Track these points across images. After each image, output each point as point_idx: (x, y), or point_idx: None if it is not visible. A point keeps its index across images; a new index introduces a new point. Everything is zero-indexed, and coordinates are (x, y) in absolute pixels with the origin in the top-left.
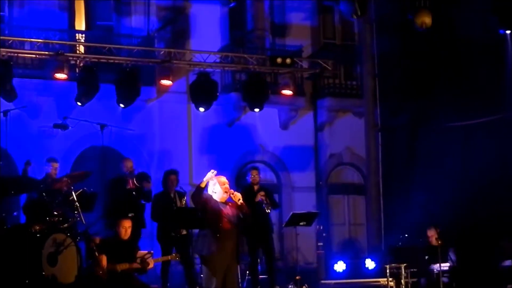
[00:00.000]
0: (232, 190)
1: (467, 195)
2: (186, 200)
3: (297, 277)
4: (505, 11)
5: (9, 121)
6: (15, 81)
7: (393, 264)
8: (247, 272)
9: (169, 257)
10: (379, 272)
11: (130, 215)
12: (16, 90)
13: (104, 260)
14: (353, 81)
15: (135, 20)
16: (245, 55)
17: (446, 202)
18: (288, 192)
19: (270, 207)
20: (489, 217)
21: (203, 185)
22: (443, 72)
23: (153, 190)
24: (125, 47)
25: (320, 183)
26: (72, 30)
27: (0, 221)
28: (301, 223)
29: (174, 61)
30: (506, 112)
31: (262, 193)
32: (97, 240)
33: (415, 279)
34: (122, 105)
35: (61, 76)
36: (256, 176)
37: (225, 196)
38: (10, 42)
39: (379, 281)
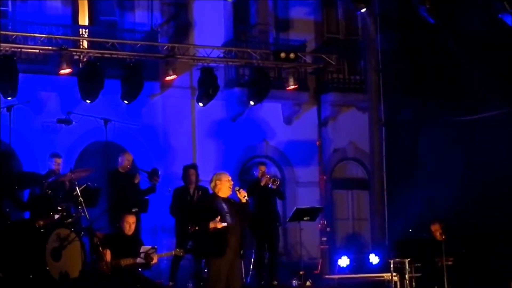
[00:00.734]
0: (237, 187)
1: (471, 190)
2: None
3: (301, 272)
4: None
5: (13, 116)
6: (19, 76)
7: (397, 259)
8: (251, 267)
9: (173, 252)
10: (383, 267)
11: (133, 210)
12: (18, 86)
13: (108, 255)
14: (357, 75)
15: (139, 15)
16: (249, 50)
17: (450, 197)
18: (292, 187)
19: (277, 181)
20: (493, 212)
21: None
22: (447, 66)
23: (157, 186)
24: (129, 42)
25: (324, 177)
26: (75, 25)
27: (4, 216)
28: (305, 218)
29: (178, 56)
30: (510, 107)
31: (267, 176)
32: (101, 235)
33: (419, 274)
34: (126, 102)
35: (65, 71)
36: (264, 171)
37: (229, 192)
38: (13, 37)
39: (383, 276)
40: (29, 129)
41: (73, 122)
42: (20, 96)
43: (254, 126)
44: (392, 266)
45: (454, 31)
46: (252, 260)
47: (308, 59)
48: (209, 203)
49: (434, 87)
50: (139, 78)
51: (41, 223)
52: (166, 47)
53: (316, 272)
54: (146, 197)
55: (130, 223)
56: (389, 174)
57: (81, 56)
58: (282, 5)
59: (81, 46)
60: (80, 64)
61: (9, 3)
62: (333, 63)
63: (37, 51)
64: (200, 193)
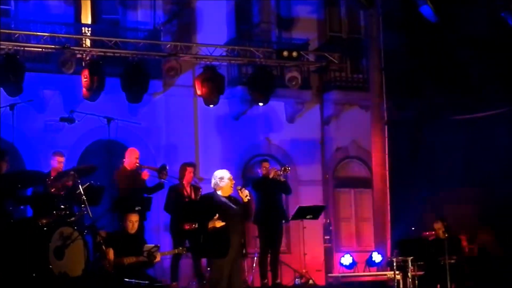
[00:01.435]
0: (239, 186)
1: (473, 188)
2: (201, 194)
3: (304, 271)
4: None
5: (15, 115)
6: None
7: (400, 257)
8: (254, 265)
9: (176, 251)
10: (386, 265)
11: (137, 208)
12: (22, 84)
13: (111, 253)
14: (360, 74)
15: (141, 14)
16: (252, 48)
17: (453, 195)
18: (295, 185)
19: (287, 168)
20: (495, 209)
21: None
22: (449, 65)
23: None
24: (131, 40)
25: (327, 176)
26: (78, 24)
27: (7, 214)
28: (308, 217)
29: (180, 55)
30: None
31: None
32: (104, 233)
33: (422, 272)
34: (131, 102)
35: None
36: (268, 168)
37: (231, 191)
38: (16, 36)
39: (386, 275)
40: (31, 128)
41: (76, 121)
42: (22, 95)
43: (257, 125)
44: (395, 264)
45: (456, 30)
46: (255, 258)
47: (311, 57)
48: (211, 201)
49: (437, 86)
50: (142, 77)
51: (44, 221)
52: (168, 45)
53: (319, 270)
54: (150, 195)
55: (133, 222)
56: (392, 172)
57: (84, 54)
58: (285, 3)
59: (84, 45)
60: (83, 63)
61: (12, 2)
62: (336, 61)
63: (40, 49)
64: (198, 191)
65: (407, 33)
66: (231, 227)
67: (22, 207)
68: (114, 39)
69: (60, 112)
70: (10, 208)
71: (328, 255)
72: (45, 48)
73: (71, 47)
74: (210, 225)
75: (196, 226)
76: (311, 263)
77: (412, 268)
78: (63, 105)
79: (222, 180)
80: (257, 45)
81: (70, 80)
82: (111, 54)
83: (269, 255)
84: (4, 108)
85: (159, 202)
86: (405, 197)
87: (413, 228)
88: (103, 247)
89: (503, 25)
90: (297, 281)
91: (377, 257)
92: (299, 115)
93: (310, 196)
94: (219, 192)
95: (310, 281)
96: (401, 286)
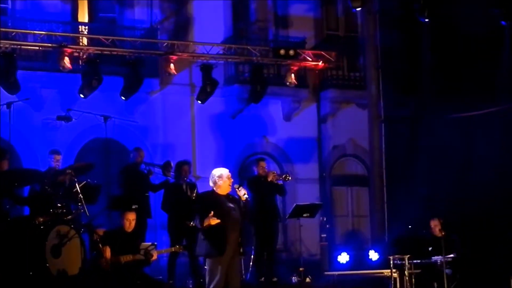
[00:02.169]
0: (237, 185)
1: (470, 186)
2: (197, 192)
3: (301, 269)
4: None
5: (12, 113)
6: (19, 73)
7: (396, 256)
8: (251, 263)
9: (173, 249)
10: (382, 263)
11: (134, 207)
12: (19, 82)
13: (108, 252)
14: (356, 72)
15: (138, 12)
16: (248, 47)
17: (449, 193)
18: (292, 183)
19: (287, 177)
20: (492, 208)
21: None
22: (446, 63)
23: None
24: (128, 39)
25: (324, 174)
26: (75, 22)
27: (4, 213)
28: (305, 215)
29: (177, 53)
30: (509, 103)
31: (274, 171)
32: (101, 232)
33: (418, 271)
34: (123, 98)
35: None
36: (264, 167)
37: (229, 189)
38: (13, 34)
39: (382, 273)
40: (28, 126)
41: (73, 119)
42: (20, 93)
43: (254, 123)
44: (391, 262)
45: (451, 28)
46: (252, 256)
47: (308, 56)
48: (209, 200)
49: (433, 84)
50: (138, 74)
51: (41, 220)
52: (165, 44)
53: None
54: (147, 194)
55: (130, 220)
56: (389, 170)
57: (81, 53)
58: (282, 2)
59: (81, 43)
60: (80, 61)
61: (9, 1)
62: (333, 60)
63: (37, 48)
64: (194, 189)
65: (403, 31)
66: (228, 226)
67: (19, 206)
68: (111, 38)
69: (57, 111)
70: (7, 206)
71: (325, 253)
72: (42, 46)
73: (68, 46)
74: (206, 222)
75: (193, 224)
76: (307, 261)
77: (408, 266)
78: (60, 104)
79: (220, 178)
80: (253, 44)
81: (67, 79)
82: (108, 53)
83: (265, 254)
84: (1, 107)
85: (156, 201)
86: (402, 195)
87: (409, 227)
88: (100, 245)
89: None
90: (294, 279)
91: (373, 255)
92: (296, 113)
93: (307, 194)
94: (217, 191)
95: (307, 279)
96: (397, 284)
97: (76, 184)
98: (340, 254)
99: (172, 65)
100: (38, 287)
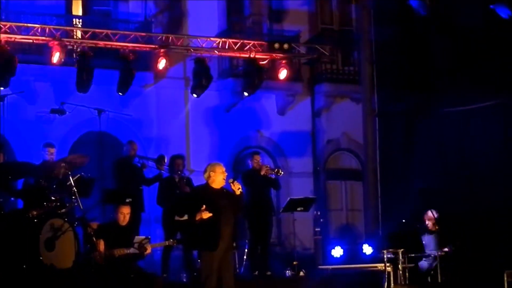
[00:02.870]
0: (231, 179)
1: (465, 180)
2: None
3: (294, 263)
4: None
5: (6, 107)
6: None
7: (390, 250)
8: (244, 257)
9: (167, 243)
10: (376, 257)
11: (127, 200)
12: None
13: (101, 245)
14: (351, 66)
15: (132, 5)
16: (243, 41)
17: (443, 187)
18: (286, 177)
19: (280, 171)
20: (487, 203)
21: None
22: (441, 57)
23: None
24: (122, 32)
25: (318, 168)
26: (69, 15)
27: None
28: (299, 209)
29: (172, 47)
30: (504, 97)
31: (267, 165)
32: (95, 225)
33: (412, 265)
34: (120, 93)
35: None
36: (259, 160)
37: (223, 183)
38: (7, 27)
39: (376, 267)
40: (22, 120)
41: (67, 112)
42: (13, 86)
43: (248, 117)
44: (385, 256)
45: (446, 22)
46: (246, 250)
47: (302, 49)
48: (203, 193)
49: (428, 78)
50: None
51: (35, 213)
52: (160, 37)
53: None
54: (140, 187)
55: (124, 214)
56: (383, 165)
57: (75, 46)
58: None
59: (75, 36)
60: (74, 54)
61: None
62: (327, 53)
63: (31, 41)
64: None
65: (398, 25)
66: (222, 220)
67: (12, 199)
68: (105, 31)
69: (51, 104)
70: (1, 199)
71: (319, 247)
72: (35, 39)
73: (62, 39)
74: (198, 216)
75: (187, 218)
76: (301, 255)
77: (402, 260)
78: (54, 97)
79: (214, 172)
80: (248, 37)
81: (61, 72)
82: (102, 46)
83: (259, 247)
84: None
85: (150, 194)
86: (396, 189)
87: (403, 221)
88: (94, 238)
89: (494, 17)
90: (288, 273)
91: (367, 249)
92: (290, 107)
93: (301, 188)
94: (211, 184)
95: (301, 273)
96: (391, 278)
97: (70, 178)
98: (334, 248)
99: (163, 61)
100: (31, 280)
